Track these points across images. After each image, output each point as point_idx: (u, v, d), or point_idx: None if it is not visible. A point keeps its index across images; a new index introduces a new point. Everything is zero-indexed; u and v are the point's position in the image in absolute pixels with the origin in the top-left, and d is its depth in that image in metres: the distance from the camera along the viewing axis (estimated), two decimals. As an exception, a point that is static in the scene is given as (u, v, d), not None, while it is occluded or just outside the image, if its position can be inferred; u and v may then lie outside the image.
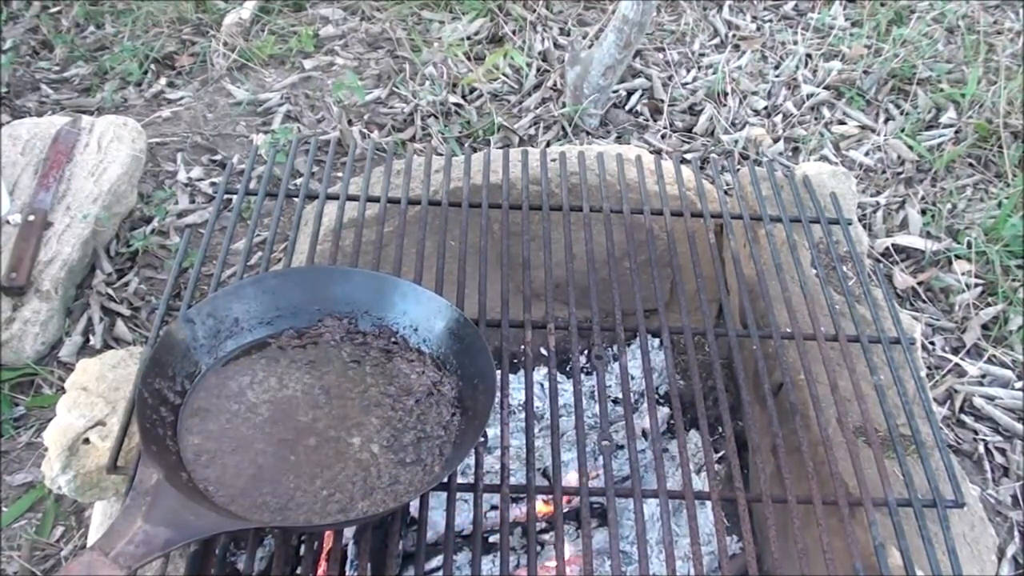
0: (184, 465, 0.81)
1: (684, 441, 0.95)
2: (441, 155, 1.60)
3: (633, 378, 1.38)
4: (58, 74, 2.15)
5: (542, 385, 1.38)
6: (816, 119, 2.07)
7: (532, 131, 2.01)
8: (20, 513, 1.29)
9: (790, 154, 1.98)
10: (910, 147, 1.96)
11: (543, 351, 1.43)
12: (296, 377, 0.91)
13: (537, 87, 2.11)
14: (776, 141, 1.99)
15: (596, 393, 1.01)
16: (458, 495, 0.90)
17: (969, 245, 1.70)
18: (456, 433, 0.88)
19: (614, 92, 2.08)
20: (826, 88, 2.13)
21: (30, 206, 1.55)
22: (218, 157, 1.92)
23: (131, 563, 0.66)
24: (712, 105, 2.07)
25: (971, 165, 1.94)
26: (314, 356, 0.93)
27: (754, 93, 2.13)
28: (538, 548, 0.87)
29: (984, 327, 1.58)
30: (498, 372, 0.88)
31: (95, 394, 1.01)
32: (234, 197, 1.20)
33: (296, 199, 1.20)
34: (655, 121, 2.05)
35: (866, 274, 1.18)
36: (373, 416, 0.88)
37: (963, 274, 1.66)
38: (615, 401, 1.35)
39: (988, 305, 1.61)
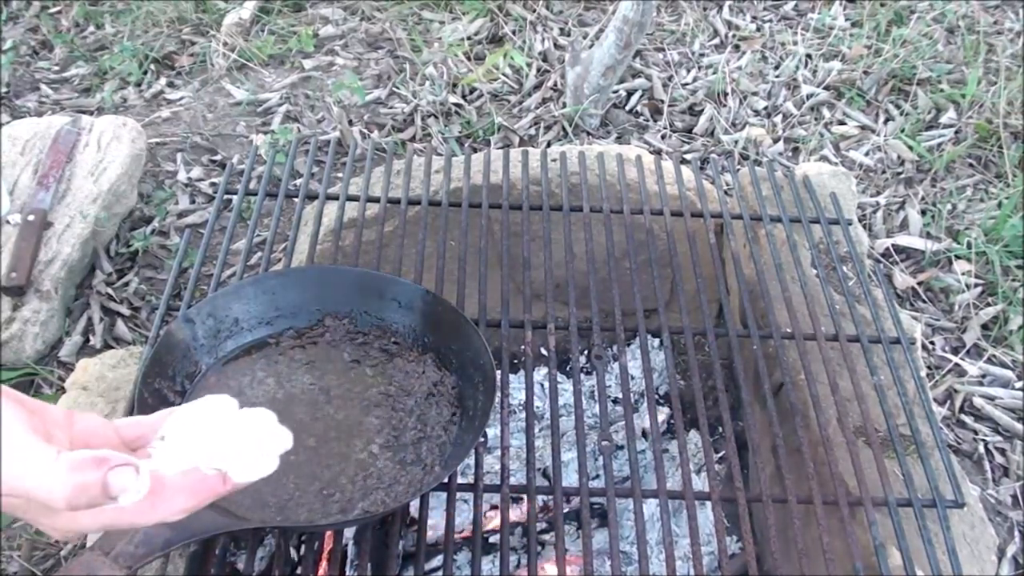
0: (184, 465, 0.81)
1: (684, 441, 0.95)
2: (441, 155, 1.60)
3: (633, 378, 1.38)
4: (58, 74, 2.15)
5: (542, 385, 1.38)
6: (816, 119, 2.06)
7: (532, 131, 2.01)
8: (20, 513, 1.29)
9: (790, 154, 1.98)
10: (910, 147, 1.96)
11: (543, 351, 1.43)
12: (296, 377, 0.91)
13: (537, 87, 2.11)
14: (776, 141, 1.99)
15: (596, 393, 1.01)
16: (458, 495, 0.90)
17: (969, 245, 1.70)
18: (456, 433, 0.88)
19: (614, 92, 2.08)
20: (826, 88, 2.13)
21: (30, 206, 1.55)
22: (218, 157, 1.92)
23: (131, 563, 0.66)
24: (712, 105, 2.07)
25: (971, 165, 1.94)
26: (314, 356, 0.93)
27: (754, 93, 2.13)
28: (538, 548, 0.87)
29: (984, 327, 1.58)
30: (498, 372, 0.88)
31: (95, 394, 1.01)
32: (234, 197, 1.20)
33: (296, 199, 1.20)
34: (655, 121, 2.05)
35: (866, 274, 1.18)
36: (373, 416, 0.88)
37: (963, 274, 1.66)
38: (615, 401, 1.35)
39: (988, 305, 1.61)
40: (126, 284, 1.61)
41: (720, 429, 1.20)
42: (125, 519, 0.51)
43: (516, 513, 1.20)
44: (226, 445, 0.57)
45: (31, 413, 0.53)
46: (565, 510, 1.18)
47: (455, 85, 2.11)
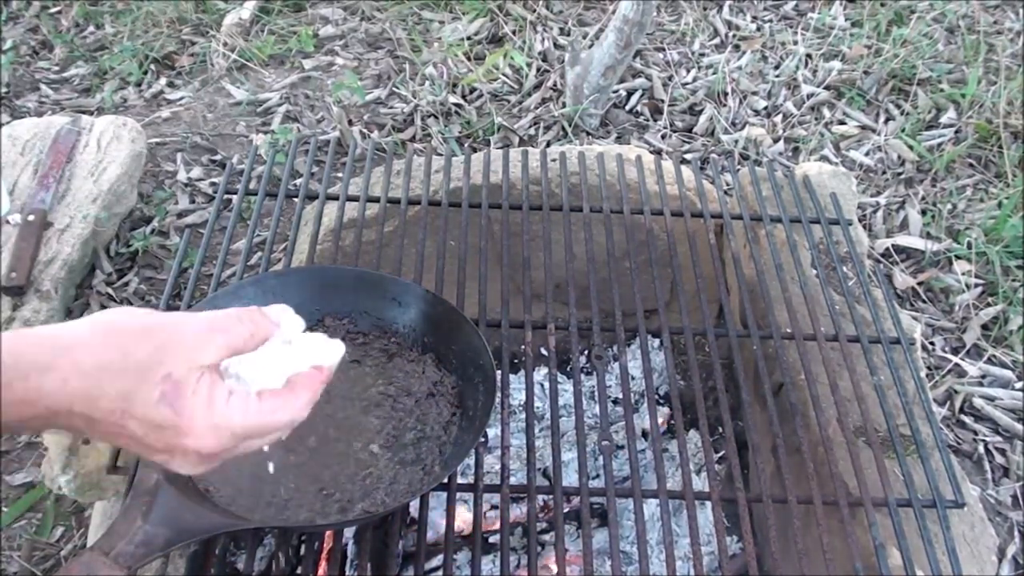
0: (184, 465, 0.81)
1: (684, 441, 0.95)
2: (441, 155, 1.60)
3: (633, 378, 1.38)
4: (58, 74, 2.16)
5: (542, 385, 1.38)
6: (816, 119, 2.06)
7: (532, 131, 2.01)
8: (20, 513, 1.29)
9: (790, 154, 1.98)
10: (910, 147, 1.96)
11: (543, 351, 1.43)
12: (296, 377, 0.91)
13: (537, 87, 2.11)
14: (776, 141, 1.99)
15: (596, 393, 1.01)
16: (458, 495, 0.90)
17: (969, 245, 1.70)
18: (456, 433, 0.88)
19: (614, 92, 2.08)
20: (826, 88, 2.13)
21: (30, 206, 1.55)
22: (218, 157, 1.92)
23: (131, 563, 0.66)
24: (712, 105, 2.07)
25: (971, 165, 1.94)
26: (314, 356, 0.93)
27: (754, 93, 2.13)
28: (538, 548, 0.87)
29: (984, 327, 1.58)
30: (498, 372, 0.88)
31: (95, 394, 1.01)
32: (234, 197, 1.20)
33: (296, 199, 1.20)
34: (655, 121, 2.05)
35: (866, 274, 1.18)
36: (373, 416, 0.88)
37: (963, 274, 1.66)
38: (615, 401, 1.35)
39: (988, 305, 1.61)
40: (126, 284, 1.61)
41: (720, 429, 1.20)
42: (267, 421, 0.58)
43: (516, 513, 1.20)
44: (303, 346, 0.64)
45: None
46: (565, 510, 1.17)
47: (455, 85, 2.11)
